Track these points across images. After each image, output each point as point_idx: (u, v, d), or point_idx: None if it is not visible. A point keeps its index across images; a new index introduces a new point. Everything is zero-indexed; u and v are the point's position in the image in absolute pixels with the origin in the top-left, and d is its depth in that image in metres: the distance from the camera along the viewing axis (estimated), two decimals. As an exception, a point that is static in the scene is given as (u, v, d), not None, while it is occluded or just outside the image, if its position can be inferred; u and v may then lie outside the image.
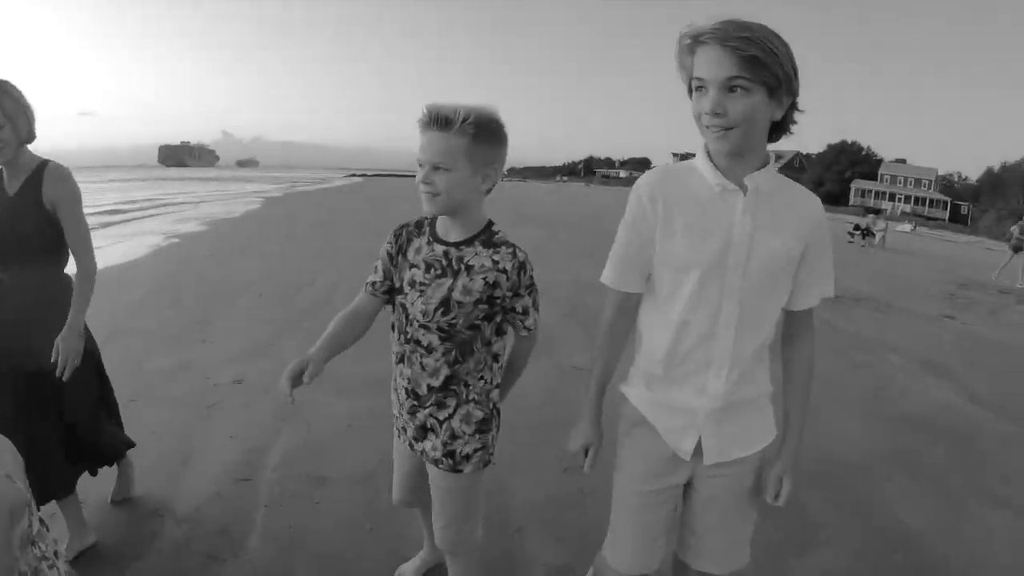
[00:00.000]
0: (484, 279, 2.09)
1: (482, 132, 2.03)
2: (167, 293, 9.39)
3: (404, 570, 3.04)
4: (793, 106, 1.70)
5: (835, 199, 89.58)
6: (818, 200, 1.85)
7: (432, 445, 2.27)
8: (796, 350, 1.99)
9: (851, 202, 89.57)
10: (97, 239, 17.10)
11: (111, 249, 14.80)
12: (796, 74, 1.63)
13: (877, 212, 29.61)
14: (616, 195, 57.54)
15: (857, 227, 26.91)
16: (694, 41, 1.62)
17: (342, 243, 15.56)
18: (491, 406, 2.30)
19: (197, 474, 3.97)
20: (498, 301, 2.14)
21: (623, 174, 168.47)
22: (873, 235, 26.14)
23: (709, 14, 1.64)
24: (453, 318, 2.12)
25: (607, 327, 2.02)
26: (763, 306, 1.83)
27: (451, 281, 2.12)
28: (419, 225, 2.27)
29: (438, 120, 2.00)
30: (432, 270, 2.15)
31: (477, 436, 2.26)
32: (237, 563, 3.12)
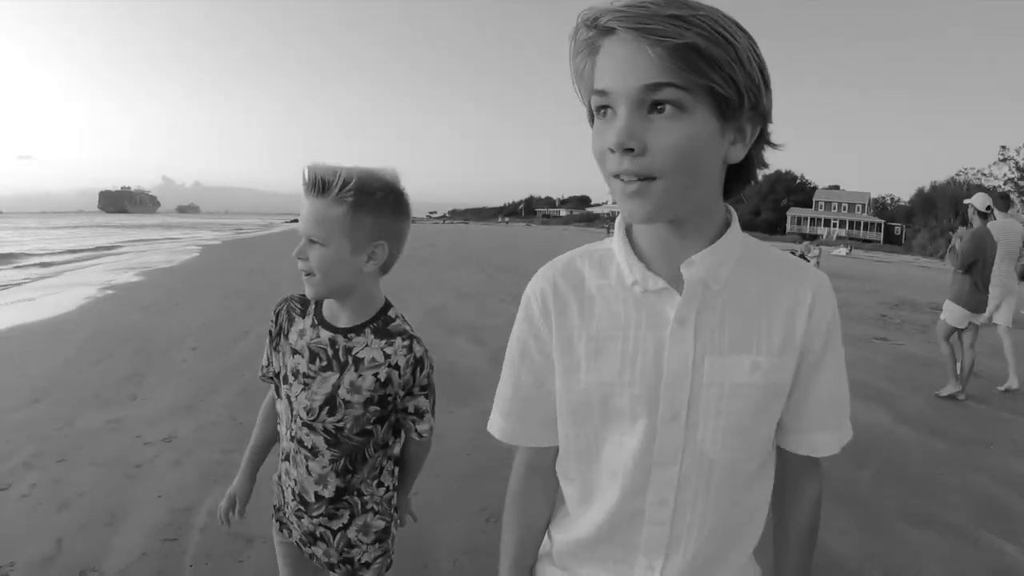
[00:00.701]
0: (375, 375, 1.86)
1: (365, 201, 1.76)
2: (99, 347, 9.38)
3: None
4: (762, 136, 1.11)
5: (772, 228, 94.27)
6: (817, 277, 1.19)
7: (324, 551, 2.04)
8: (791, 504, 1.34)
9: (788, 230, 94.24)
10: (33, 290, 17.03)
11: (45, 300, 14.78)
12: (767, 83, 1.05)
13: (813, 239, 30.41)
14: (556, 234, 58.60)
15: (792, 253, 27.86)
16: (594, 31, 1.01)
17: (278, 291, 15.57)
18: (392, 512, 2.11)
19: (124, 534, 4.08)
20: (390, 400, 1.90)
21: (563, 212, 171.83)
22: (807, 261, 27.04)
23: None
24: (340, 420, 1.88)
25: (513, 495, 1.41)
26: (730, 469, 1.18)
27: (337, 376, 1.87)
28: (304, 302, 1.99)
29: (315, 184, 1.74)
30: (317, 360, 1.89)
31: (377, 545, 2.05)
32: None
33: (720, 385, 1.13)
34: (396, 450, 2.07)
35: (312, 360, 1.89)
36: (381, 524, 2.05)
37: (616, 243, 1.21)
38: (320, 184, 1.73)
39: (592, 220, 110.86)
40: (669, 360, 1.13)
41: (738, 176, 1.16)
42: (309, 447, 1.92)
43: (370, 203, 1.76)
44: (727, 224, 1.17)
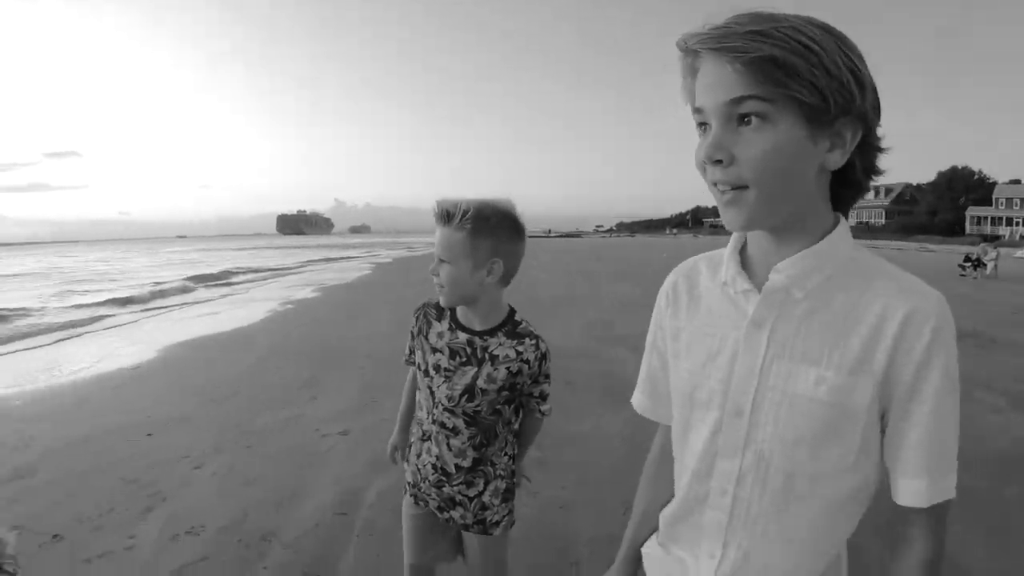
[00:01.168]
0: (508, 368, 2.27)
1: (481, 227, 2.15)
2: (282, 355, 10.54)
3: None
4: (868, 140, 1.12)
5: (950, 229, 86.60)
6: (921, 300, 1.12)
7: (460, 515, 2.48)
8: (896, 557, 1.23)
9: (967, 231, 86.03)
10: (221, 305, 18.85)
11: (231, 313, 16.49)
12: (862, 85, 1.06)
13: (993, 239, 28.15)
14: (721, 243, 56.62)
15: (967, 258, 26.09)
16: (690, 55, 1.12)
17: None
18: (513, 479, 2.54)
19: (300, 508, 4.74)
20: (518, 387, 2.33)
21: None
22: (984, 265, 25.25)
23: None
24: (477, 405, 2.30)
25: (646, 466, 1.61)
26: (789, 479, 1.20)
27: (476, 369, 2.29)
28: (439, 309, 2.40)
29: (441, 215, 2.18)
30: (457, 357, 2.31)
31: (504, 505, 2.50)
32: None
33: (783, 392, 1.17)
34: (516, 425, 2.50)
35: (452, 357, 2.33)
36: (505, 486, 2.49)
37: (728, 247, 1.29)
38: (445, 215, 2.17)
39: None
40: (741, 359, 1.21)
41: (846, 183, 1.17)
42: (450, 428, 2.37)
43: (486, 228, 2.17)
44: (826, 230, 1.18)
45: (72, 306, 20.20)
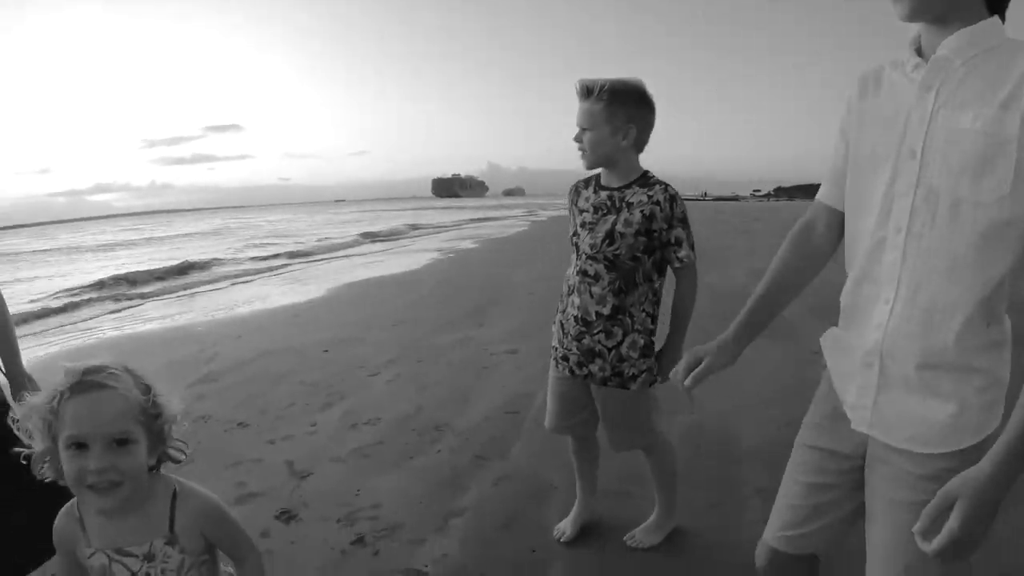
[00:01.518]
0: (641, 212, 2.57)
1: (617, 98, 2.55)
2: (446, 292, 11.14)
3: (563, 526, 3.21)
4: None
5: None
6: None
7: (599, 367, 2.70)
8: None
9: None
10: (387, 255, 19.79)
11: (398, 260, 17.58)
12: None
13: None
14: None
15: None
16: None
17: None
18: (652, 338, 2.74)
19: (471, 406, 5.10)
20: (655, 234, 2.59)
21: None
22: None
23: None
24: (616, 249, 2.59)
25: (788, 238, 1.84)
26: (954, 207, 1.37)
27: (615, 216, 2.61)
28: (587, 181, 2.82)
29: (582, 90, 2.60)
30: (599, 211, 2.67)
31: (642, 359, 2.69)
32: (500, 464, 4.09)
33: (947, 131, 1.38)
34: (658, 285, 2.72)
35: (595, 212, 2.68)
36: (643, 342, 2.69)
37: (907, 45, 1.52)
38: (586, 90, 2.58)
39: None
40: (913, 113, 1.45)
41: None
42: (592, 275, 2.66)
43: (621, 99, 2.56)
44: (980, 18, 1.41)
45: (253, 257, 22.29)
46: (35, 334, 9.95)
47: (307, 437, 4.69)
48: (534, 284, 11.25)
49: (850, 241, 1.62)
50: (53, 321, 11.26)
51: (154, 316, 11.14)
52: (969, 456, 1.37)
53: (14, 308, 4.52)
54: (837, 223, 1.72)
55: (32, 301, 13.56)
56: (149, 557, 1.53)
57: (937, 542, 1.30)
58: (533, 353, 6.46)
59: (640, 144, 2.66)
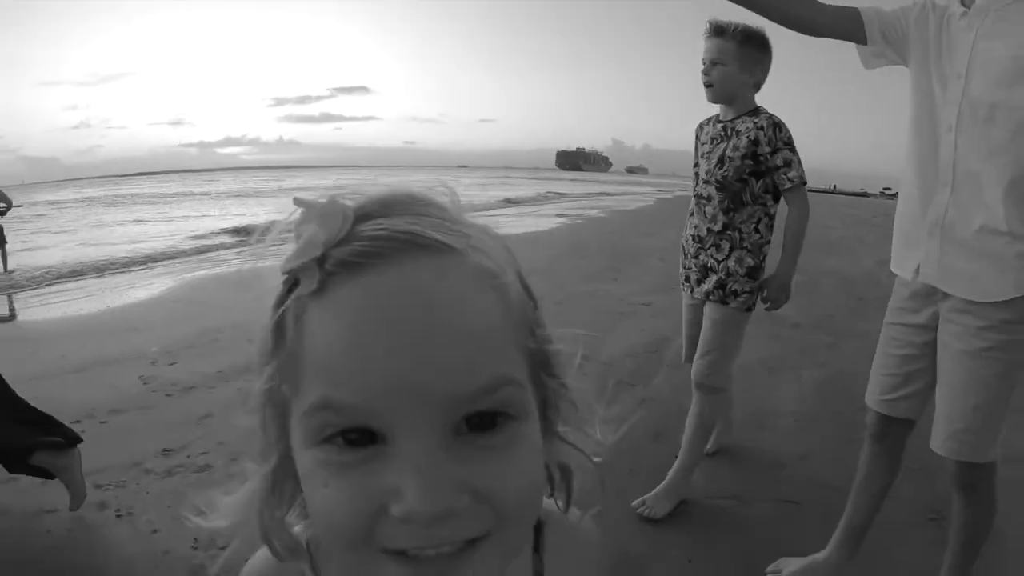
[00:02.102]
0: (748, 136, 2.78)
1: (749, 39, 2.78)
2: (578, 251, 11.47)
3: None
4: None
5: None
6: None
7: (710, 282, 2.91)
8: None
9: None
10: (511, 217, 20.21)
11: (525, 220, 18.02)
12: None
13: None
14: None
15: None
16: None
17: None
18: (762, 259, 2.91)
19: (614, 344, 5.40)
20: (761, 158, 2.79)
21: None
22: None
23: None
24: (725, 171, 2.82)
25: None
26: (990, 115, 1.82)
27: (725, 143, 2.86)
28: (710, 119, 3.04)
29: (715, 29, 2.81)
30: (715, 141, 2.92)
31: (746, 279, 2.86)
32: (643, 389, 4.38)
33: (986, 58, 1.83)
34: (772, 208, 2.90)
35: (712, 142, 2.93)
36: (751, 262, 2.86)
37: None
38: (719, 28, 2.80)
39: None
40: (957, 43, 1.91)
41: None
42: (706, 197, 2.92)
43: (752, 41, 2.80)
44: None
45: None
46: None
47: None
48: (664, 251, 11.33)
49: (909, 147, 2.08)
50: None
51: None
52: (1019, 306, 1.83)
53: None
54: (839, 22, 2.12)
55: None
56: None
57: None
58: (668, 306, 6.59)
59: (758, 85, 2.91)
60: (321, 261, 0.47)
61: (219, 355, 4.84)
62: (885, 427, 2.22)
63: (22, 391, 2.71)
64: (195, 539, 2.57)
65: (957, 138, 1.88)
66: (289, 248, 0.49)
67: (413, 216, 0.50)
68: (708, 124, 3.03)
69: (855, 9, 2.10)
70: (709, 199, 2.90)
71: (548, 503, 0.67)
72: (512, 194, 36.65)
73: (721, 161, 2.82)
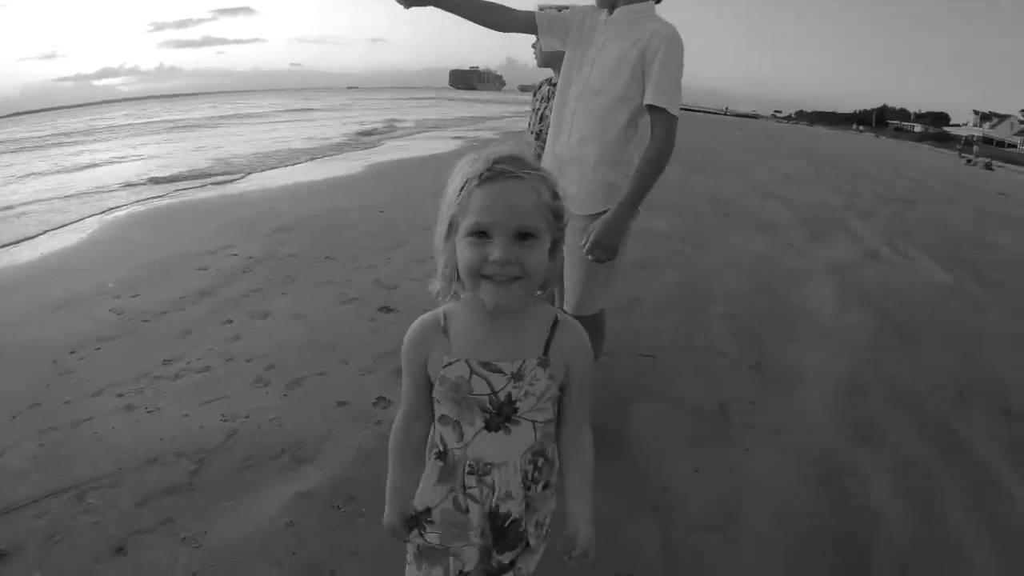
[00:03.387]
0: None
1: None
2: None
3: None
4: None
5: None
6: (662, 25, 2.71)
7: None
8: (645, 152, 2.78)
9: None
10: (413, 140, 20.68)
11: (425, 145, 18.88)
12: None
13: None
14: (898, 149, 53.35)
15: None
16: None
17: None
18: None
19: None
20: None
21: (918, 128, 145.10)
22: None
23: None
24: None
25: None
26: (596, 98, 2.82)
27: None
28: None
29: None
30: None
31: None
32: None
33: (605, 54, 2.78)
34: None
35: None
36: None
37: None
38: None
39: (946, 140, 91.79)
40: (593, 42, 2.86)
41: None
42: None
43: None
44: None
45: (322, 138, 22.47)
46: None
47: (386, 265, 6.04)
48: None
49: (556, 99, 3.01)
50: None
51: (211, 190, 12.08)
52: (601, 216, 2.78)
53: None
54: (521, 23, 2.95)
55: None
56: (517, 376, 1.48)
57: (587, 246, 2.74)
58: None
59: None
60: (481, 174, 1.31)
61: (174, 283, 5.47)
62: None
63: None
64: (222, 415, 3.38)
65: (577, 104, 2.87)
66: (467, 166, 1.36)
67: (512, 162, 1.33)
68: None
69: (531, 13, 2.94)
70: None
71: (563, 315, 1.55)
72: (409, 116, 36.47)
73: None
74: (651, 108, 2.67)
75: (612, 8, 2.80)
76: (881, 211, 12.14)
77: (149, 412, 3.43)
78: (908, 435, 3.71)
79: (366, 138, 22.42)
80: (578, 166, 2.83)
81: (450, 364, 1.47)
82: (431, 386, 1.52)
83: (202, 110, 47.13)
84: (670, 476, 3.11)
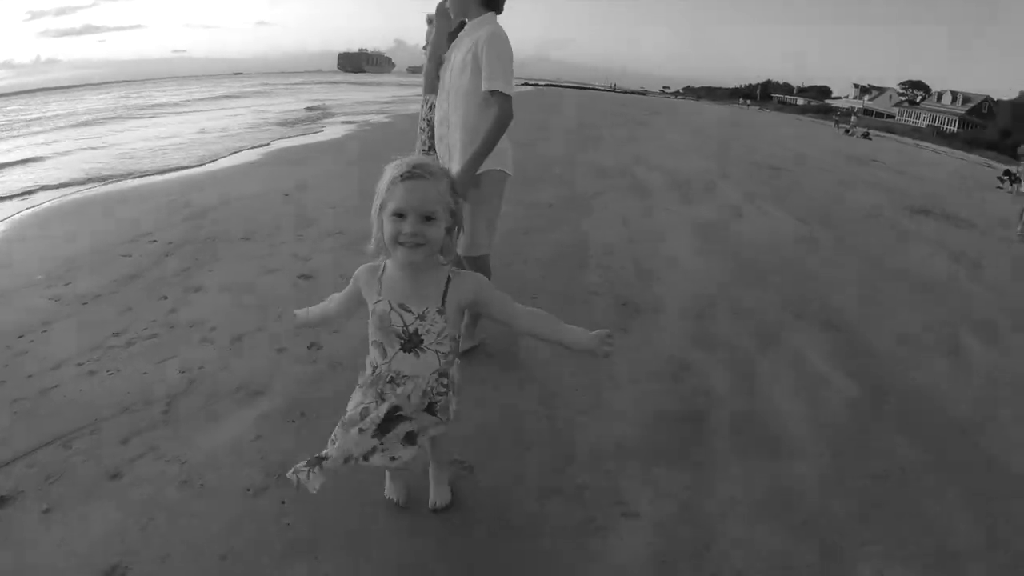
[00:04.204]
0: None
1: None
2: (374, 154, 12.40)
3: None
4: None
5: (1014, 153, 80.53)
6: (489, 27, 3.57)
7: None
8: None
9: None
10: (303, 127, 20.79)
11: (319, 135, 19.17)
12: None
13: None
14: (781, 120, 58.32)
15: (1007, 173, 25.33)
16: None
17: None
18: None
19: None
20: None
21: (800, 101, 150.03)
22: (1020, 180, 24.31)
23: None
24: None
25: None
26: (457, 91, 3.69)
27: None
28: None
29: None
30: None
31: None
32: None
33: (456, 57, 3.72)
34: None
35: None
36: None
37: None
38: None
39: (828, 112, 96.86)
40: (453, 49, 3.82)
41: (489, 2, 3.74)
42: None
43: None
44: (482, 16, 3.71)
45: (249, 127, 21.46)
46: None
47: (299, 242, 6.58)
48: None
49: (438, 100, 3.91)
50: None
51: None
52: (475, 179, 3.62)
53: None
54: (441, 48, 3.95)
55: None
56: (421, 317, 2.20)
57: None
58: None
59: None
60: (403, 174, 2.04)
61: (103, 271, 5.70)
62: None
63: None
64: (179, 369, 3.89)
65: (448, 101, 3.75)
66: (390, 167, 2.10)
67: (421, 168, 2.06)
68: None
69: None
70: None
71: (455, 271, 2.26)
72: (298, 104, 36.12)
73: None
74: (489, 92, 3.49)
75: (464, 21, 3.74)
76: (752, 177, 13.50)
77: (111, 374, 3.83)
78: (744, 341, 4.74)
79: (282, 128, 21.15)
80: (457, 149, 3.70)
81: (378, 302, 2.22)
82: (356, 301, 2.35)
83: (88, 102, 45.24)
84: (553, 380, 3.96)
